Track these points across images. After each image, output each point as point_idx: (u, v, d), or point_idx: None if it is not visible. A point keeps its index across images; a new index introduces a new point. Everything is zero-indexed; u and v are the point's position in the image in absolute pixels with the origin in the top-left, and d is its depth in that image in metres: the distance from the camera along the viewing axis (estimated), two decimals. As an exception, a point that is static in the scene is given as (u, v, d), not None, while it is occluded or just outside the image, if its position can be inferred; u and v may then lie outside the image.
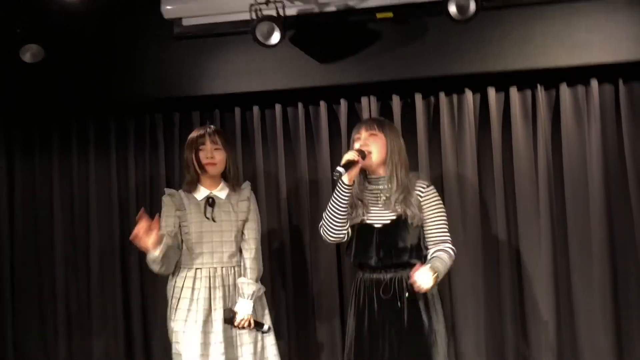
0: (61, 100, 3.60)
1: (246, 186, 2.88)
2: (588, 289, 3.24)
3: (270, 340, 2.80)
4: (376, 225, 2.56)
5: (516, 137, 3.32)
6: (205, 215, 2.74)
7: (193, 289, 2.72)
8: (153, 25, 3.39)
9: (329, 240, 2.63)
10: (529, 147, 3.33)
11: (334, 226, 2.57)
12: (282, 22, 2.98)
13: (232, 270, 2.77)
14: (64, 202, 3.80)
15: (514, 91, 3.33)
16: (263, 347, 2.77)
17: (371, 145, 2.57)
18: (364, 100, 3.46)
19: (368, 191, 2.62)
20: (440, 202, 2.62)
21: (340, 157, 3.42)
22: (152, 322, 3.66)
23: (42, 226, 3.82)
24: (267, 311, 2.85)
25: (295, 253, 3.55)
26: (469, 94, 3.36)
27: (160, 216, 2.70)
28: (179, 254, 2.77)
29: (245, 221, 2.81)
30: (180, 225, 2.77)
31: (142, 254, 3.61)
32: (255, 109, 3.59)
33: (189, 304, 2.71)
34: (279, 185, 3.55)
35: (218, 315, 2.70)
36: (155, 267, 2.69)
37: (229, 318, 2.69)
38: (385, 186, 2.58)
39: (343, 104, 3.50)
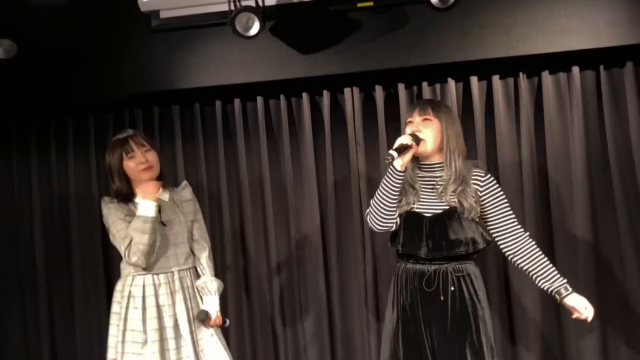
0: (37, 97, 3.52)
1: (185, 186, 2.81)
2: (573, 275, 3.23)
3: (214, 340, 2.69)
4: (426, 215, 2.40)
5: (499, 125, 3.32)
6: (159, 220, 2.60)
7: (147, 296, 2.59)
8: (130, 19, 3.31)
9: (376, 229, 2.47)
10: (512, 135, 3.34)
11: (382, 214, 2.41)
12: (262, 12, 2.93)
13: (189, 272, 2.69)
14: (44, 201, 3.73)
15: (496, 79, 3.32)
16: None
17: (424, 131, 2.39)
18: (347, 91, 3.44)
19: (419, 178, 2.46)
20: (501, 191, 2.45)
21: (324, 148, 3.48)
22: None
23: (21, 227, 3.75)
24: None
25: (280, 248, 3.52)
26: (451, 83, 3.35)
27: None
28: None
29: (193, 221, 2.74)
30: None
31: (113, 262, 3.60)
32: (237, 101, 3.54)
33: (153, 312, 2.59)
34: (263, 178, 3.52)
35: (182, 318, 2.61)
36: (143, 242, 2.50)
37: (204, 319, 2.65)
38: (441, 174, 2.41)
39: (326, 95, 3.47)
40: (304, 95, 3.48)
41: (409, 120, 2.47)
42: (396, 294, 2.47)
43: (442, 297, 2.36)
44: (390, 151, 2.30)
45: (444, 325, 2.36)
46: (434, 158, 2.44)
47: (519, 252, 2.43)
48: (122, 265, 2.69)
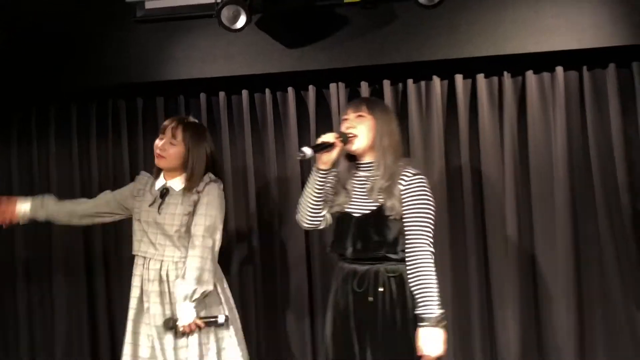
0: (20, 85, 3.48)
1: (207, 180, 2.63)
2: (553, 273, 3.29)
3: (230, 341, 2.59)
4: (355, 215, 2.36)
5: (483, 124, 3.34)
6: (155, 204, 2.61)
7: (136, 275, 2.65)
8: (115, 9, 3.27)
9: (304, 226, 2.49)
10: (495, 134, 3.36)
11: (306, 212, 2.44)
12: (248, 5, 2.91)
13: (173, 266, 2.57)
14: (24, 191, 3.67)
15: (481, 78, 3.34)
16: (219, 350, 2.58)
17: (357, 128, 2.35)
18: (333, 86, 3.43)
19: (355, 178, 2.42)
20: (423, 194, 2.31)
21: (309, 142, 3.42)
22: (118, 318, 3.58)
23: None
24: (223, 305, 2.63)
25: (263, 244, 3.52)
26: (436, 81, 3.36)
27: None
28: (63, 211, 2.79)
29: (190, 215, 2.59)
30: (134, 210, 2.70)
31: (105, 242, 3.59)
32: (222, 94, 3.52)
33: (131, 291, 2.65)
34: (247, 172, 3.51)
35: (152, 310, 2.56)
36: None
37: (171, 328, 2.49)
38: (372, 173, 2.36)
39: (311, 90, 3.46)
40: (290, 89, 3.47)
41: (344, 117, 2.44)
42: (333, 294, 2.44)
43: (370, 298, 2.30)
44: (304, 148, 2.27)
45: (374, 326, 2.30)
46: (368, 157, 2.40)
47: (411, 264, 2.29)
48: None
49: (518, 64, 3.28)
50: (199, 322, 2.51)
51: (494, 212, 3.34)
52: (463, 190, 3.36)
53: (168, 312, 2.57)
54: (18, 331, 3.69)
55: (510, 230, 3.31)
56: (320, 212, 2.44)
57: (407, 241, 2.31)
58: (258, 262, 3.52)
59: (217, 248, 2.60)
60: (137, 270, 2.64)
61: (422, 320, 2.24)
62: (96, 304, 3.63)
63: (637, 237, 3.22)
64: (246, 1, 2.92)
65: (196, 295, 2.49)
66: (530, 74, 3.30)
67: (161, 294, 2.58)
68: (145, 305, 2.59)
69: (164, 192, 2.65)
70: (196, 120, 2.76)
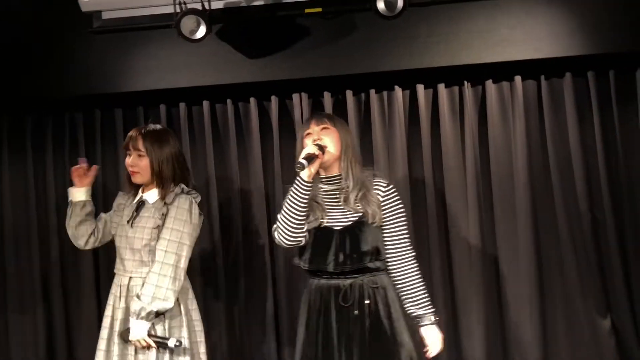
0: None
1: (178, 193, 2.53)
2: (515, 279, 3.33)
3: None
4: (336, 228, 2.35)
5: (445, 133, 3.37)
6: (129, 219, 2.56)
7: (110, 293, 2.59)
8: (71, 19, 3.20)
9: (284, 245, 2.38)
10: (457, 142, 3.39)
11: (291, 229, 2.33)
12: (208, 15, 2.88)
13: (142, 282, 2.44)
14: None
15: (441, 87, 3.38)
16: None
17: (325, 139, 2.37)
18: (295, 96, 3.43)
19: (324, 192, 2.41)
20: (402, 204, 2.42)
21: (273, 154, 3.44)
22: (75, 329, 3.51)
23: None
24: (183, 327, 2.49)
25: (226, 256, 3.46)
26: (398, 91, 3.38)
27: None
28: (91, 228, 2.70)
29: (157, 228, 2.49)
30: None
31: (64, 259, 3.48)
32: (182, 105, 3.48)
33: (105, 309, 2.59)
34: (209, 184, 3.46)
35: (117, 327, 2.50)
36: (70, 221, 2.67)
37: (125, 340, 2.43)
38: (343, 185, 2.38)
39: (274, 100, 3.44)
40: (252, 100, 3.45)
41: (307, 132, 2.42)
42: (309, 309, 2.40)
43: (356, 312, 2.31)
44: (300, 159, 2.27)
45: (363, 339, 2.30)
46: (334, 170, 2.41)
47: (399, 270, 2.38)
48: None
49: (478, 73, 3.33)
50: (148, 340, 2.40)
51: (456, 219, 3.36)
52: (426, 197, 3.38)
53: None
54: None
55: (473, 237, 3.34)
56: (304, 227, 2.36)
57: (391, 248, 2.39)
58: (221, 273, 3.45)
59: (182, 265, 2.46)
60: (112, 288, 2.59)
61: (422, 319, 2.37)
62: (53, 318, 3.53)
63: (595, 242, 3.29)
64: (206, 11, 2.89)
65: (143, 313, 2.38)
66: (489, 84, 3.36)
67: (126, 310, 2.50)
68: (116, 322, 2.52)
69: (140, 205, 2.58)
70: (157, 126, 2.65)
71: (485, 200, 3.38)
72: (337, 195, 2.39)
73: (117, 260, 2.61)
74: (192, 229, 2.52)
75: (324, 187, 2.42)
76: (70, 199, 2.71)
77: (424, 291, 2.40)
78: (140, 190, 2.63)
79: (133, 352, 2.47)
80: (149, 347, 2.41)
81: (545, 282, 3.32)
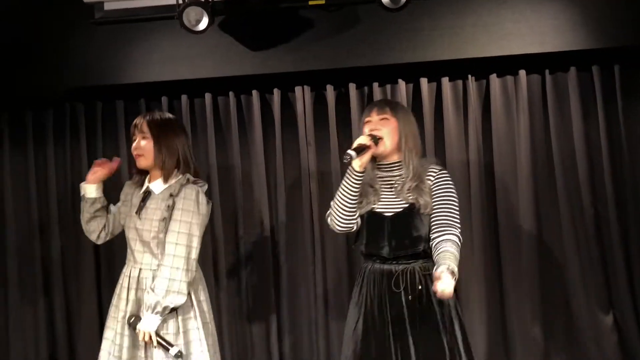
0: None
1: (184, 182, 2.49)
2: (517, 274, 3.32)
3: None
4: (387, 214, 2.40)
5: (448, 127, 3.35)
6: (137, 210, 2.53)
7: (117, 283, 2.58)
8: (73, 10, 3.19)
9: (337, 230, 2.45)
10: (460, 137, 3.38)
11: (343, 215, 2.39)
12: (211, 7, 2.86)
13: (150, 274, 2.47)
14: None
15: (445, 81, 3.36)
16: None
17: (382, 130, 2.39)
18: (298, 89, 3.41)
19: (379, 178, 2.45)
20: (452, 186, 2.42)
21: (274, 147, 3.43)
22: (76, 325, 3.49)
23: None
24: (197, 319, 2.47)
25: (227, 247, 3.45)
26: (402, 84, 3.36)
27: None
28: (102, 224, 2.67)
29: (167, 220, 2.45)
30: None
31: (64, 251, 3.47)
32: (184, 97, 3.46)
33: (112, 299, 2.57)
34: (210, 176, 3.44)
35: (125, 318, 2.48)
36: (81, 217, 2.65)
37: (131, 325, 2.40)
38: (399, 173, 2.42)
39: (276, 93, 3.42)
40: (254, 92, 3.43)
41: (367, 119, 2.45)
42: (363, 293, 2.43)
43: (409, 297, 2.34)
44: (349, 151, 2.28)
45: (414, 324, 2.33)
46: (392, 158, 2.44)
47: (434, 245, 2.34)
48: None
49: (482, 67, 3.31)
50: (153, 338, 2.37)
51: (459, 212, 3.32)
52: (429, 193, 3.36)
53: None
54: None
55: (475, 232, 3.33)
56: (355, 214, 2.41)
57: (436, 227, 2.35)
58: (222, 264, 3.45)
59: (193, 256, 2.44)
60: (120, 278, 2.57)
61: (444, 267, 2.22)
62: (54, 312, 3.51)
63: (598, 238, 3.28)
64: (208, 3, 2.87)
65: (159, 308, 2.36)
66: (494, 77, 3.34)
67: (137, 302, 2.48)
68: (121, 313, 2.50)
69: (146, 195, 2.55)
70: (165, 114, 2.63)
71: (488, 195, 3.36)
72: (391, 183, 2.42)
73: (128, 251, 2.59)
74: (201, 219, 2.49)
75: (379, 173, 2.45)
76: (82, 193, 2.68)
77: (452, 256, 2.27)
78: (146, 180, 2.60)
79: (144, 345, 2.45)
80: (150, 342, 2.39)
81: (547, 278, 3.31)
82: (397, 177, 2.42)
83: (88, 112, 3.51)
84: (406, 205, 2.38)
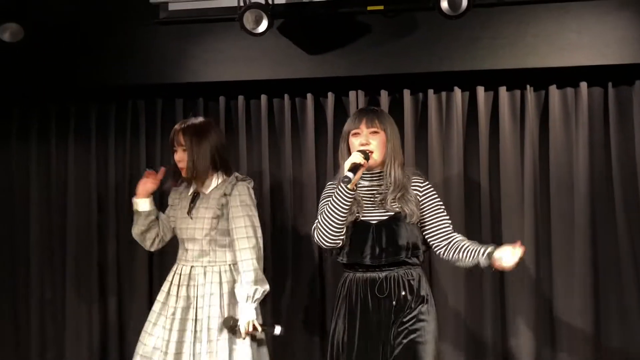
0: (41, 82, 3.50)
1: (232, 181, 2.66)
2: (569, 292, 3.23)
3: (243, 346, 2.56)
4: (372, 222, 2.43)
5: (504, 137, 3.29)
6: (188, 211, 2.66)
7: (166, 281, 2.68)
8: (139, 9, 3.31)
9: (323, 246, 2.46)
10: (516, 148, 3.31)
11: (331, 232, 2.40)
12: (271, 10, 2.92)
13: (202, 271, 2.61)
14: (42, 188, 3.71)
15: (503, 91, 3.30)
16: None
17: (372, 144, 2.41)
18: (352, 94, 3.42)
19: (361, 187, 2.47)
20: (438, 196, 2.53)
21: (326, 151, 3.45)
22: (127, 312, 3.59)
23: (18, 213, 3.72)
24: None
25: (276, 249, 3.49)
26: (457, 92, 3.33)
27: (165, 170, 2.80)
28: (156, 232, 2.77)
29: (220, 218, 2.62)
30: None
31: (119, 242, 3.59)
32: (241, 98, 3.52)
33: (162, 296, 2.66)
34: (262, 176, 3.49)
35: (178, 313, 2.59)
36: (135, 229, 2.74)
37: (232, 327, 2.54)
38: (380, 183, 2.46)
39: (330, 97, 3.45)
40: (309, 95, 3.46)
41: (355, 131, 2.44)
42: (345, 303, 2.47)
43: (394, 302, 2.39)
44: (347, 173, 2.31)
45: (397, 328, 2.38)
46: (375, 168, 2.47)
47: (450, 249, 2.46)
48: None
49: (541, 78, 3.24)
50: (256, 324, 2.53)
51: (511, 227, 3.28)
52: (481, 204, 3.31)
53: (192, 317, 2.59)
54: (29, 329, 3.69)
55: (528, 245, 3.24)
56: (343, 230, 2.42)
57: (441, 231, 2.48)
58: (270, 267, 3.49)
59: (260, 245, 2.62)
60: (170, 276, 2.70)
61: (485, 249, 2.37)
62: (107, 303, 3.62)
63: (658, 258, 3.15)
64: (269, 6, 2.93)
65: (257, 295, 2.54)
66: (553, 89, 3.26)
67: (188, 298, 2.60)
68: (170, 310, 2.60)
69: (195, 196, 2.68)
70: (198, 119, 2.74)
71: (542, 209, 3.28)
72: (373, 192, 2.46)
73: (180, 251, 2.72)
74: (256, 211, 2.68)
75: (363, 182, 2.47)
76: (134, 208, 2.76)
77: (473, 244, 2.43)
78: (193, 182, 2.70)
79: (193, 328, 2.56)
80: (255, 329, 2.53)
81: (602, 295, 3.20)
82: (378, 187, 2.45)
83: (148, 108, 3.62)
84: (392, 213, 2.41)
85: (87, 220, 3.65)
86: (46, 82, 3.49)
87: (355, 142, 2.43)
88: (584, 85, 3.22)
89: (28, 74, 3.47)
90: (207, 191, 2.66)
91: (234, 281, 2.61)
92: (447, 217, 2.51)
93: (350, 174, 2.30)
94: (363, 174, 2.44)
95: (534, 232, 3.26)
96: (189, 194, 2.71)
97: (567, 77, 3.22)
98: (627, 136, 3.21)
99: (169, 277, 2.69)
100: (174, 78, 3.39)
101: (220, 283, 2.60)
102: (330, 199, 2.39)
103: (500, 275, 3.29)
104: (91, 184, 3.66)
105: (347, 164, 2.34)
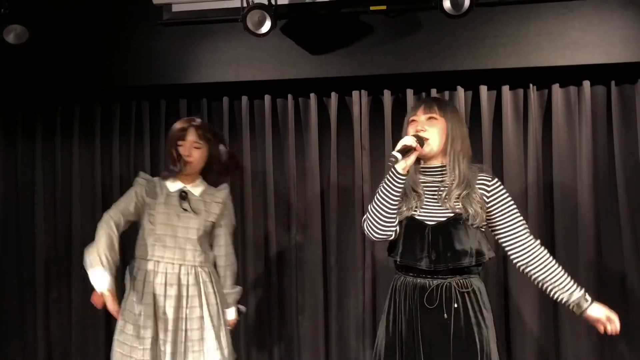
0: (46, 83, 3.53)
1: (223, 188, 2.77)
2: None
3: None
4: (428, 223, 2.18)
5: (507, 136, 3.30)
6: (181, 207, 2.65)
7: (146, 282, 2.60)
8: (142, 10, 3.31)
9: (373, 238, 2.23)
10: (519, 147, 3.32)
11: (382, 221, 2.18)
12: (274, 10, 2.93)
13: (193, 270, 2.63)
14: (47, 188, 3.74)
15: (506, 90, 3.30)
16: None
17: (429, 131, 2.18)
18: (355, 94, 3.43)
19: (422, 183, 2.24)
20: (509, 197, 2.22)
21: (330, 151, 3.46)
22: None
23: (23, 212, 3.76)
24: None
25: (280, 248, 3.51)
26: (460, 91, 3.33)
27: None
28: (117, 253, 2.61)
29: (214, 224, 2.72)
30: (146, 213, 2.65)
31: (124, 241, 3.58)
32: (244, 99, 3.54)
33: (142, 298, 2.60)
34: (266, 177, 3.51)
35: (169, 312, 2.58)
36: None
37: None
38: (443, 178, 2.21)
39: (334, 96, 3.46)
40: (312, 95, 3.47)
41: (412, 118, 2.26)
42: (393, 308, 2.25)
43: (445, 315, 2.14)
44: (394, 152, 2.10)
45: (446, 345, 2.13)
46: (436, 161, 2.24)
47: (531, 262, 2.22)
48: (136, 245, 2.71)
49: (544, 76, 3.24)
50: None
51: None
52: (484, 203, 3.31)
53: (183, 316, 2.60)
54: (36, 330, 3.71)
55: (539, 240, 3.24)
56: (395, 221, 2.21)
57: (514, 244, 2.22)
58: (274, 267, 3.50)
59: None
60: (145, 276, 2.61)
61: (580, 302, 2.21)
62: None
63: (662, 256, 3.15)
64: (272, 6, 2.94)
65: (237, 299, 2.82)
66: (556, 87, 3.26)
67: (179, 298, 2.60)
68: (160, 309, 2.60)
69: (183, 195, 2.67)
70: (211, 126, 2.85)
71: (545, 209, 3.28)
72: (436, 189, 2.22)
73: (156, 247, 2.61)
74: None
75: (422, 177, 2.24)
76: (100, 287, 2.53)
77: (566, 275, 2.21)
78: (175, 180, 2.69)
79: (184, 327, 2.63)
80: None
81: (605, 294, 3.19)
82: (442, 183, 2.21)
83: (152, 109, 3.64)
84: (451, 214, 2.17)
85: (92, 219, 3.65)
86: (51, 83, 3.52)
87: (411, 130, 2.23)
88: (587, 83, 3.22)
89: (33, 76, 3.50)
90: (197, 193, 2.69)
91: (217, 281, 2.72)
92: (522, 222, 2.22)
93: (397, 154, 2.08)
94: (423, 168, 2.24)
95: (538, 231, 3.26)
96: (174, 191, 2.67)
97: (570, 75, 3.21)
98: (631, 134, 3.21)
99: (148, 277, 2.60)
100: (177, 79, 3.41)
101: (209, 283, 2.67)
102: (381, 184, 2.18)
103: (504, 274, 3.30)
104: (96, 184, 3.68)
105: (398, 145, 2.12)
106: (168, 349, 2.57)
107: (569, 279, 2.23)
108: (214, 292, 2.67)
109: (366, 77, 3.30)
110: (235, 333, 3.48)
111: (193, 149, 2.66)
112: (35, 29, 3.22)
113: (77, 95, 3.67)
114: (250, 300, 3.53)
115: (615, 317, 2.23)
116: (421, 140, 2.16)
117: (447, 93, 3.37)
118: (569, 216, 3.25)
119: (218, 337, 2.62)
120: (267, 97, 3.51)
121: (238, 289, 2.81)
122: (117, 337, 2.63)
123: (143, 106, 3.65)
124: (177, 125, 2.73)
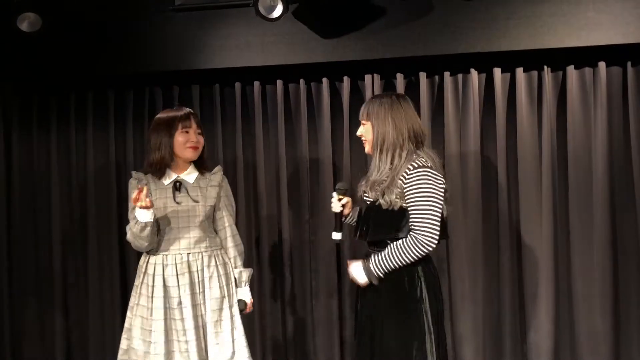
0: (59, 70, 3.54)
1: (217, 171, 2.78)
2: (588, 273, 3.22)
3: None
4: (367, 202, 2.51)
5: (521, 119, 3.27)
6: (174, 200, 2.65)
7: (157, 275, 2.63)
8: (151, -4, 3.33)
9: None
10: (533, 129, 3.29)
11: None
12: (286, -6, 2.92)
13: (200, 256, 2.66)
14: (62, 174, 3.77)
15: (520, 72, 3.28)
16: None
17: (364, 135, 2.51)
18: (367, 77, 3.41)
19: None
20: (421, 186, 2.32)
21: (342, 135, 3.46)
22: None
23: (39, 199, 3.79)
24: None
25: (293, 232, 3.53)
26: (474, 74, 3.31)
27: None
28: (156, 235, 2.66)
29: (213, 207, 2.72)
30: None
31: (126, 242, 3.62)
32: (256, 84, 3.54)
33: (160, 292, 2.62)
34: (279, 162, 3.52)
35: (186, 301, 2.61)
36: (141, 241, 2.60)
37: (243, 309, 2.74)
38: (371, 170, 2.48)
39: (346, 81, 3.45)
40: (324, 80, 3.46)
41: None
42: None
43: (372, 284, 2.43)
44: (333, 235, 2.59)
45: (378, 309, 2.41)
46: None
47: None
48: None
49: (559, 58, 3.21)
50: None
51: (529, 209, 3.28)
52: (498, 186, 3.31)
53: (199, 303, 2.63)
54: (54, 329, 3.75)
55: (546, 228, 3.25)
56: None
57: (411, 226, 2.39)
58: (287, 252, 3.52)
59: None
60: (154, 269, 2.65)
61: (367, 263, 2.42)
62: (127, 283, 3.65)
63: (677, 238, 3.12)
64: (283, -10, 2.92)
65: (249, 279, 2.79)
66: (571, 69, 3.23)
67: (192, 285, 2.63)
68: (175, 300, 2.62)
69: (178, 185, 2.67)
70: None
71: (560, 192, 3.27)
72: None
73: (162, 241, 2.65)
74: None
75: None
76: (142, 220, 2.57)
77: (387, 256, 2.37)
78: (168, 172, 2.68)
79: (202, 312, 2.66)
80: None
81: (621, 277, 3.19)
82: (369, 174, 2.49)
83: (165, 95, 3.64)
84: (372, 200, 2.45)
85: (108, 207, 3.70)
86: (64, 70, 3.53)
87: (333, 201, 2.63)
88: (602, 65, 3.18)
89: (46, 63, 3.51)
90: (191, 180, 2.70)
91: (225, 263, 2.73)
92: (415, 211, 2.33)
93: (337, 235, 2.59)
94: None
95: (552, 213, 3.25)
96: (167, 183, 2.68)
97: (585, 56, 3.18)
98: (647, 116, 3.18)
99: (157, 270, 2.63)
100: (190, 65, 3.41)
101: (217, 265, 2.69)
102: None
103: (517, 260, 3.30)
104: (111, 169, 3.70)
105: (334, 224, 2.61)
106: (190, 336, 2.59)
107: (384, 257, 2.39)
108: (226, 274, 2.71)
109: (378, 61, 3.28)
110: (249, 316, 3.53)
111: (198, 136, 2.69)
112: (48, 17, 3.23)
113: (90, 82, 3.69)
114: (264, 284, 3.56)
115: (352, 271, 2.50)
116: (344, 191, 2.59)
117: (460, 76, 3.35)
118: (584, 198, 3.23)
119: (233, 325, 2.66)
120: (279, 82, 3.51)
121: (249, 269, 2.81)
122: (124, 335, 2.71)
123: (156, 92, 3.66)
124: (171, 114, 2.70)
